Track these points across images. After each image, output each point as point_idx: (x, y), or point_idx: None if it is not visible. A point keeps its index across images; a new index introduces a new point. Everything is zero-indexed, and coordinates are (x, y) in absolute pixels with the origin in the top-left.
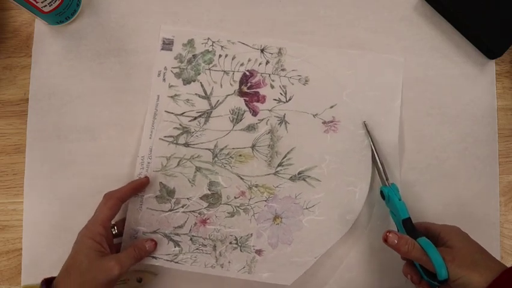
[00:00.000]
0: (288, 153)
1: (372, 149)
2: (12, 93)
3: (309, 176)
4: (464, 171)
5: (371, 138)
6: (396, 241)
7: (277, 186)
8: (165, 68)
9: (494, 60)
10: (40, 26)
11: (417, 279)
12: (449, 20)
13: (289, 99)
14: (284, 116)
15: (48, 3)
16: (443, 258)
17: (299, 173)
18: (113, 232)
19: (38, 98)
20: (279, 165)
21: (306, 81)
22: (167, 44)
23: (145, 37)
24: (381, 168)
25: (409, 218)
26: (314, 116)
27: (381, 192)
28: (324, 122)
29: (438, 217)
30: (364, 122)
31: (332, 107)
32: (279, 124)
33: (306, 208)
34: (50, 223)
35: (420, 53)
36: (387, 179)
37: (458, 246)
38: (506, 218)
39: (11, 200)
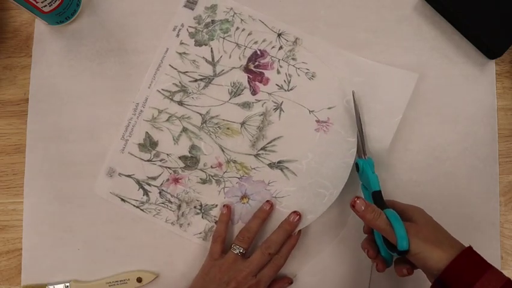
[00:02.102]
0: (274, 139)
1: (356, 120)
2: (12, 93)
3: (287, 168)
4: (464, 171)
5: (357, 110)
6: (363, 208)
7: (254, 168)
8: (182, 25)
9: (494, 60)
10: (40, 26)
11: (373, 254)
12: (449, 20)
13: (291, 89)
14: (281, 103)
15: (48, 3)
16: (407, 231)
17: (279, 162)
18: None
19: (38, 98)
20: (262, 148)
21: (312, 76)
22: (190, 3)
23: (145, 37)
24: (360, 141)
25: (379, 191)
26: (310, 112)
27: (357, 165)
28: (317, 121)
29: (439, 217)
30: (352, 91)
31: (330, 108)
32: (274, 110)
33: (275, 197)
34: (50, 223)
35: (420, 53)
36: (364, 152)
37: (422, 222)
38: (506, 218)
39: (11, 200)
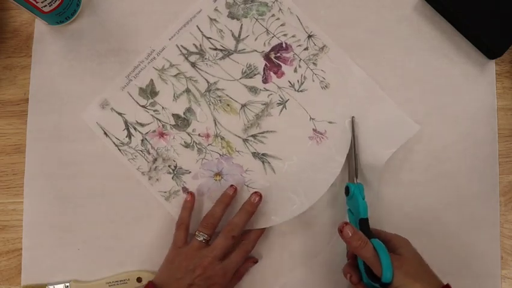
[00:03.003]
0: (267, 132)
1: (351, 144)
2: (12, 93)
3: (268, 162)
4: (464, 171)
5: (353, 134)
6: (350, 234)
7: (238, 151)
8: None
9: (494, 60)
10: (40, 26)
11: (356, 280)
12: (449, 20)
13: (301, 91)
14: (287, 101)
15: (48, 3)
16: (392, 264)
17: (263, 154)
18: None
19: (38, 98)
20: (253, 136)
21: (326, 86)
22: None
23: (145, 37)
24: (353, 165)
25: (367, 219)
26: (311, 118)
27: (347, 188)
28: (314, 130)
29: (439, 217)
30: (352, 117)
31: (330, 122)
32: (277, 104)
33: (247, 185)
34: (50, 223)
35: (420, 53)
36: (356, 177)
37: (406, 255)
38: (506, 218)
39: (11, 200)
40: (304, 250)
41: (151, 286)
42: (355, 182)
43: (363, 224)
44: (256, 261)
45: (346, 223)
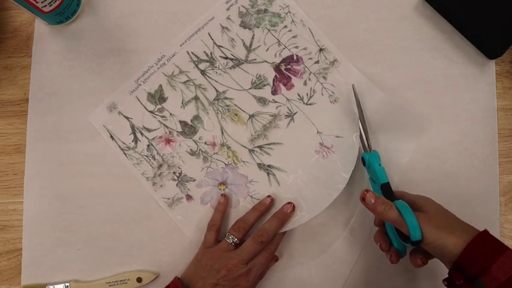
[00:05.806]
0: (273, 143)
1: (358, 114)
2: (12, 93)
3: (274, 174)
4: (464, 171)
5: (358, 104)
6: (373, 201)
7: (243, 161)
8: (236, 1)
9: (494, 60)
10: (40, 26)
11: (386, 247)
12: (449, 20)
13: (309, 104)
14: (295, 113)
15: (48, 3)
16: (418, 221)
17: (268, 166)
18: None
19: (38, 98)
20: (259, 147)
21: (334, 100)
22: None
23: (145, 37)
24: (364, 135)
25: (388, 183)
26: (318, 132)
27: (362, 159)
28: (321, 144)
29: None
30: (352, 84)
31: (337, 136)
32: (285, 116)
33: (250, 196)
34: (50, 223)
35: (420, 53)
36: (369, 146)
37: (433, 211)
38: (506, 218)
39: (11, 200)
40: (332, 227)
41: (176, 281)
42: (369, 151)
43: (386, 188)
44: (277, 259)
45: (367, 190)
